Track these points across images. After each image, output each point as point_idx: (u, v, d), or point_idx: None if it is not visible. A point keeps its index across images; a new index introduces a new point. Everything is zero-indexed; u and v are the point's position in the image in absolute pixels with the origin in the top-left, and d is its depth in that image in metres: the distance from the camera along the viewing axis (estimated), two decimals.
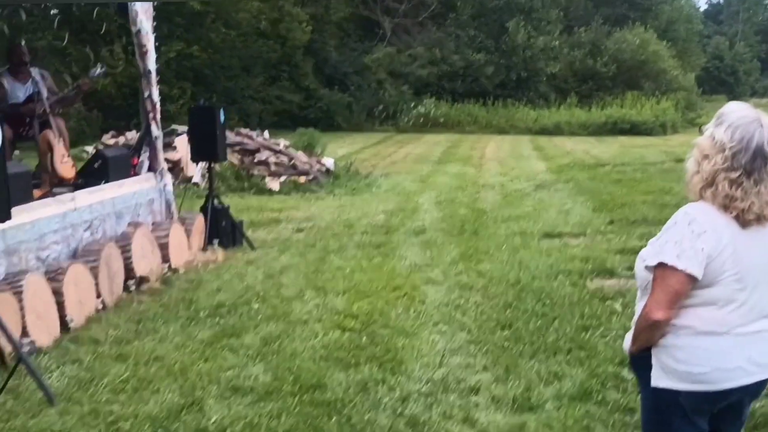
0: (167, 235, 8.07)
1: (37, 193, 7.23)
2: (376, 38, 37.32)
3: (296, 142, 17.99)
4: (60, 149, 7.60)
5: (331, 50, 35.44)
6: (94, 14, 32.80)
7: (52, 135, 7.62)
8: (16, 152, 8.70)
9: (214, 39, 31.20)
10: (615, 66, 36.98)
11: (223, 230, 9.26)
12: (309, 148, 17.61)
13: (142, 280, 7.48)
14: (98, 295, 6.77)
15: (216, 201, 9.26)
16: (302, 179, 15.20)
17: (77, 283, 6.46)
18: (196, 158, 9.26)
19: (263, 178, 15.09)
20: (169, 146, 16.03)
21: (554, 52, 36.26)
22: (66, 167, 7.61)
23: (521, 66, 35.56)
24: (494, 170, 17.58)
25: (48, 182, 7.53)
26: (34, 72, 8.73)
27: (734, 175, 2.56)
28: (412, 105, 33.11)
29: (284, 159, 15.76)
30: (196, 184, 14.89)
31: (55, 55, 33.28)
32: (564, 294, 6.73)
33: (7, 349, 5.40)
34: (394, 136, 29.55)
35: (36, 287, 5.91)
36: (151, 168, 8.89)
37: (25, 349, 5.48)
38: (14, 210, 6.26)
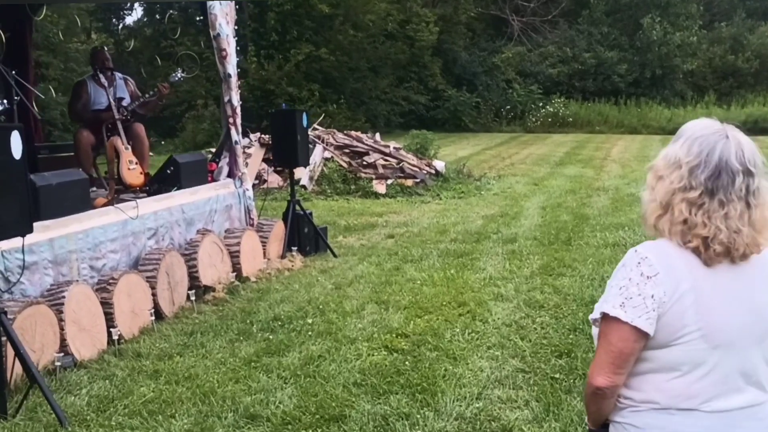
0: (239, 243, 7.88)
1: (101, 200, 7.17)
2: (504, 37, 36.53)
3: (409, 145, 17.65)
4: (128, 156, 7.53)
5: (459, 50, 34.93)
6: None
7: (119, 142, 7.56)
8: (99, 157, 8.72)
9: (342, 41, 31.30)
10: (758, 62, 34.71)
11: (305, 237, 9.01)
12: (421, 151, 17.22)
13: (208, 289, 7.31)
14: (155, 306, 6.62)
15: (297, 207, 9.00)
16: (409, 182, 14.85)
17: (130, 293, 6.32)
18: (277, 164, 9.02)
19: (370, 180, 14.83)
20: None
21: (692, 48, 34.38)
22: (133, 174, 7.52)
23: (656, 63, 33.87)
24: (614, 172, 16.66)
25: (113, 189, 7.46)
26: (118, 78, 8.76)
27: (693, 194, 2.01)
28: (541, 104, 32.17)
29: (393, 162, 15.45)
30: (303, 186, 14.79)
31: (192, 60, 34.37)
32: None
33: (42, 364, 5.29)
34: (521, 136, 28.75)
35: (80, 298, 5.78)
36: (231, 174, 8.74)
37: (58, 363, 5.36)
38: (67, 219, 6.23)
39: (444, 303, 6.58)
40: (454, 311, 6.36)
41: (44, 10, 8.16)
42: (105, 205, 7.00)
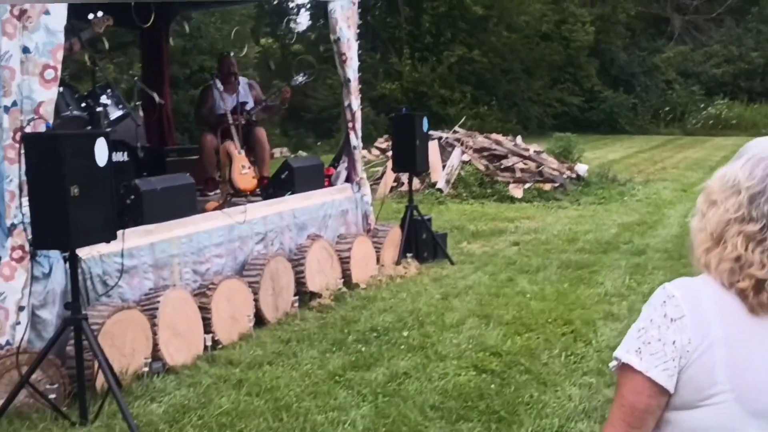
0: (350, 249, 7.78)
1: (212, 204, 7.25)
2: (664, 36, 35.00)
3: (552, 148, 17.14)
4: (240, 160, 7.58)
5: (617, 51, 33.76)
6: (385, 22, 33.95)
7: (232, 146, 7.62)
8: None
9: (495, 42, 30.94)
10: None
11: (423, 243, 8.83)
12: (564, 154, 16.68)
13: (314, 295, 7.25)
14: (257, 311, 6.61)
15: (415, 212, 8.82)
16: (547, 186, 14.39)
17: (230, 298, 6.33)
18: (396, 169, 8.87)
19: (507, 184, 14.47)
20: None
21: None
22: (245, 178, 7.56)
23: None
24: None
25: (225, 193, 7.54)
26: (242, 83, 8.87)
27: (752, 228, 1.65)
28: (702, 106, 30.59)
29: (532, 165, 15.02)
30: (439, 190, 14.61)
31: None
32: None
33: (131, 369, 5.36)
34: (678, 139, 27.40)
35: (177, 303, 5.83)
36: (349, 178, 8.67)
37: (146, 368, 5.41)
38: (171, 223, 6.30)
39: (549, 320, 6.23)
40: (558, 330, 6.00)
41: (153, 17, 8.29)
42: (216, 209, 7.07)
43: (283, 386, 5.16)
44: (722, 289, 1.66)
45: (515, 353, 5.52)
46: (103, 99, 7.00)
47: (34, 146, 4.53)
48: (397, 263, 8.46)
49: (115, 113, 7.19)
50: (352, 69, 8.52)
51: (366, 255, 8.03)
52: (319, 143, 28.86)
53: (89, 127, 7.18)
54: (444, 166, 15.19)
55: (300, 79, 9.05)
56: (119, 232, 5.76)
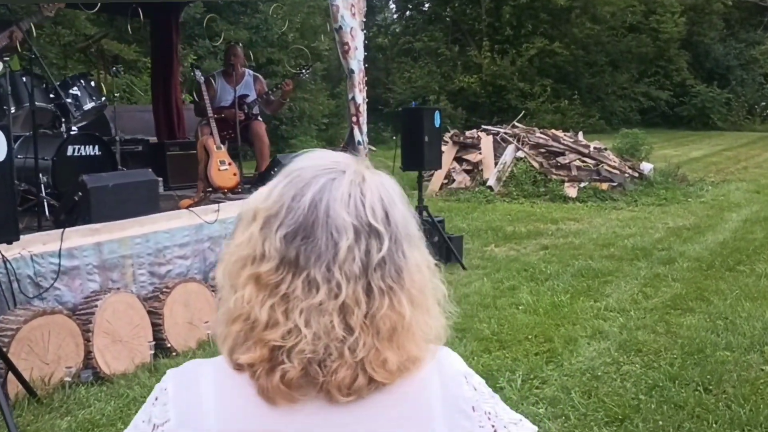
0: None
1: (186, 202, 6.84)
2: (763, 27, 33.11)
3: (618, 145, 16.22)
4: (219, 156, 7.14)
5: (711, 42, 32.09)
6: (465, 14, 33.27)
7: (210, 141, 7.19)
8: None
9: (577, 34, 29.89)
10: None
11: (434, 246, 8.21)
12: (631, 152, 15.74)
13: None
14: None
15: (425, 213, 8.22)
16: (605, 186, 13.52)
17: (188, 303, 5.89)
18: (406, 166, 8.29)
19: (562, 183, 13.67)
20: (473, 147, 15.31)
21: None
22: (224, 175, 7.12)
23: None
24: None
25: (201, 191, 7.12)
26: (247, 75, 8.47)
27: (265, 267, 1.13)
28: None
29: (591, 163, 14.15)
30: (489, 187, 13.94)
31: (430, 56, 34.31)
32: (755, 380, 4.71)
33: (56, 377, 4.98)
34: None
35: (119, 307, 5.42)
36: None
37: (68, 378, 5.01)
38: (124, 222, 5.90)
39: (528, 337, 5.56)
40: (534, 348, 5.33)
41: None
42: (190, 206, 6.65)
43: None
44: (231, 371, 1.14)
45: (481, 373, 4.88)
46: (74, 90, 6.67)
47: None
48: None
49: (87, 104, 6.85)
50: (356, 60, 7.98)
51: None
52: (394, 137, 28.43)
53: (64, 120, 6.90)
54: (496, 163, 14.50)
55: (305, 72, 8.58)
56: (58, 232, 5.45)
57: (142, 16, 7.69)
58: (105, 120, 8.43)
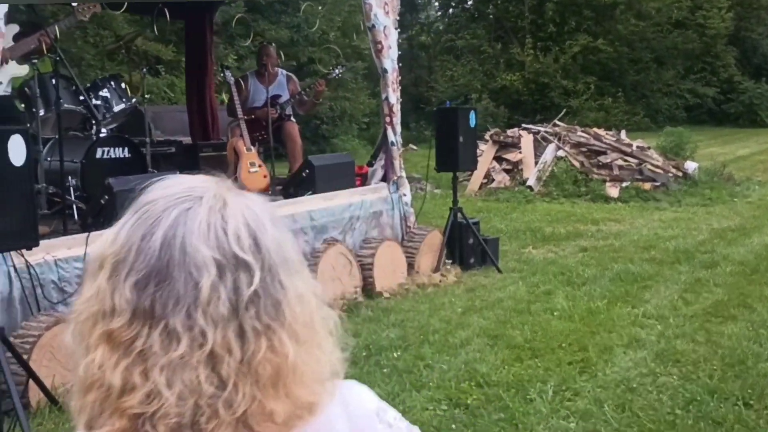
0: (373, 254, 7.13)
1: None
2: None
3: (662, 143, 15.87)
4: (249, 158, 7.05)
5: (759, 38, 31.40)
6: (507, 12, 32.98)
7: (240, 143, 7.10)
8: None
9: (622, 31, 29.44)
10: None
11: (469, 249, 8.05)
12: (675, 150, 15.39)
13: None
14: None
15: (460, 215, 8.06)
16: (647, 186, 13.22)
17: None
18: (440, 167, 8.13)
19: (603, 183, 13.40)
20: (513, 146, 15.09)
21: None
22: (254, 178, 7.03)
23: None
24: None
25: None
26: (281, 75, 8.39)
27: (116, 324, 0.95)
28: None
29: (633, 162, 13.85)
30: (529, 187, 13.71)
31: (472, 54, 34.07)
32: None
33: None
34: None
35: None
36: (386, 177, 8.00)
37: None
38: None
39: (562, 345, 5.37)
40: (567, 357, 5.14)
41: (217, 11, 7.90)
42: None
43: None
44: None
45: (503, 384, 4.72)
46: (104, 92, 6.63)
47: None
48: (435, 270, 7.73)
49: (117, 106, 6.80)
50: (390, 59, 7.83)
51: (393, 261, 7.34)
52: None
53: (94, 122, 6.86)
54: (536, 162, 14.27)
55: (338, 71, 8.46)
56: (83, 236, 5.39)
57: (168, 17, 7.62)
58: (143, 121, 8.42)
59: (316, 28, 20.30)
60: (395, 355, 5.40)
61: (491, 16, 34.09)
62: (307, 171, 7.24)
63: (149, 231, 0.96)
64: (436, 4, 39.86)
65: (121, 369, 0.94)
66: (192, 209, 0.98)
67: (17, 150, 4.26)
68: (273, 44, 8.90)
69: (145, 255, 0.95)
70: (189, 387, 0.93)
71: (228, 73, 7.76)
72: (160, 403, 0.93)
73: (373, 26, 7.68)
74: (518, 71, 30.54)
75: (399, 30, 8.15)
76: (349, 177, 7.63)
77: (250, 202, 1.03)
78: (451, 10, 38.77)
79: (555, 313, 6.15)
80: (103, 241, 1.00)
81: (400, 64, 8.14)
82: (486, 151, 15.33)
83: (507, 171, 14.69)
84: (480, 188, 14.51)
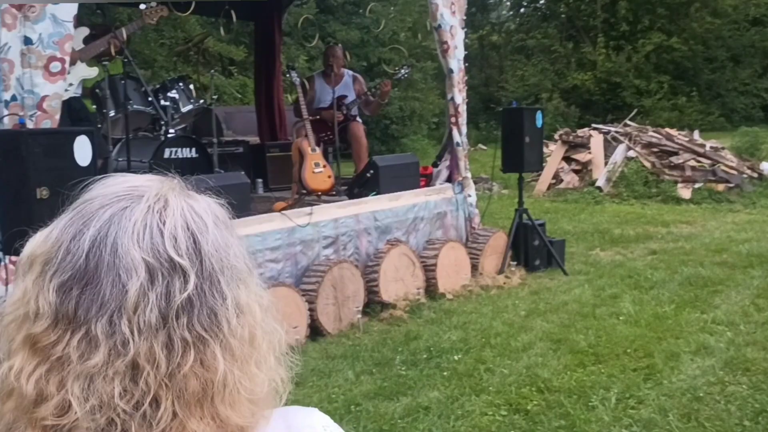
0: (436, 255, 7.10)
1: (280, 204, 6.81)
2: None
3: (736, 144, 15.46)
4: (314, 158, 7.07)
5: None
6: (579, 11, 32.53)
7: (305, 143, 7.13)
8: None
9: (697, 29, 28.76)
10: None
11: (534, 250, 7.96)
12: (750, 151, 14.98)
13: (386, 306, 6.64)
14: (314, 322, 6.10)
15: (525, 216, 7.97)
16: (720, 187, 12.87)
17: (277, 307, 5.83)
18: (505, 168, 8.05)
19: (675, 184, 13.11)
20: (582, 146, 14.88)
21: None
22: (318, 178, 7.04)
23: None
24: None
25: (296, 193, 7.07)
26: (347, 75, 8.42)
27: (39, 326, 0.88)
28: None
29: (706, 163, 13.52)
30: (599, 188, 13.51)
31: (543, 53, 33.70)
32: None
33: None
34: None
35: None
36: (451, 178, 7.96)
37: None
38: None
39: (627, 350, 5.26)
40: (632, 363, 5.04)
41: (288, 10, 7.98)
42: (284, 209, 6.61)
43: None
44: None
45: (565, 390, 4.65)
46: (173, 93, 6.74)
47: (1, 144, 4.23)
48: (500, 272, 7.66)
49: (186, 107, 6.90)
50: (456, 59, 7.79)
51: (457, 262, 7.30)
52: None
53: (162, 122, 6.98)
54: (606, 163, 14.04)
55: (404, 72, 8.45)
56: None
57: (235, 18, 7.70)
58: (217, 121, 8.54)
59: (382, 29, 20.29)
60: (456, 357, 5.37)
61: (563, 15, 33.66)
62: (372, 171, 7.25)
63: (80, 230, 0.90)
64: (508, 3, 39.57)
65: (36, 377, 0.87)
66: (129, 208, 0.91)
67: (83, 151, 4.35)
68: (339, 45, 8.93)
69: (72, 255, 0.89)
70: (103, 400, 0.86)
71: (294, 74, 7.81)
72: (73, 417, 0.86)
73: (440, 26, 7.65)
74: (590, 70, 30.08)
75: (466, 30, 8.09)
76: (414, 177, 7.62)
77: (196, 203, 0.95)
78: (522, 10, 38.44)
79: (621, 318, 6.03)
80: (35, 241, 0.94)
81: (467, 64, 8.08)
82: (555, 151, 15.16)
83: (576, 171, 14.50)
84: (548, 189, 14.35)
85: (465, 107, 7.95)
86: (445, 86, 7.99)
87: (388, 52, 23.21)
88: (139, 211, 0.90)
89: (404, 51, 15.58)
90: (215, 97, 7.28)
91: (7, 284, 4.57)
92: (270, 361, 0.97)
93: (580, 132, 15.64)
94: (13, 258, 4.65)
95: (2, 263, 4.61)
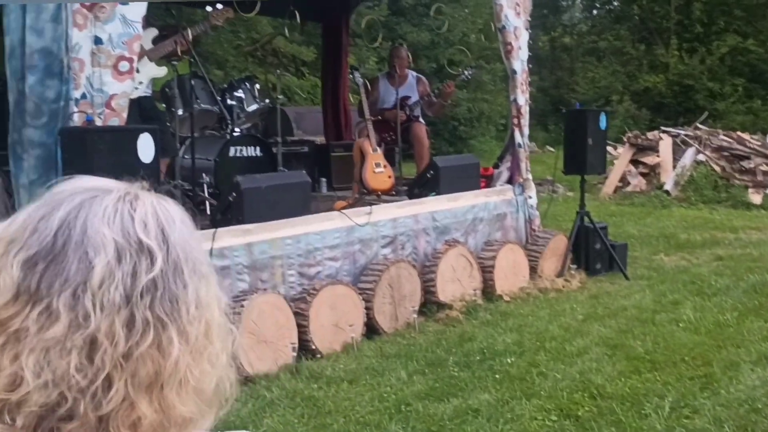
0: (494, 257, 7.09)
1: (340, 204, 6.89)
2: None
3: None
4: (374, 158, 7.13)
5: None
6: (653, 12, 31.97)
7: (366, 143, 7.19)
8: None
9: None
10: None
11: (596, 254, 7.89)
12: None
13: (444, 306, 6.66)
14: (370, 321, 6.16)
15: (587, 219, 7.91)
16: None
17: (334, 305, 5.91)
18: (567, 170, 8.00)
19: (745, 188, 12.84)
20: (650, 149, 14.67)
21: None
22: (379, 178, 7.11)
23: None
24: None
25: (356, 193, 7.14)
26: (411, 76, 8.47)
27: (5, 312, 0.86)
28: None
29: None
30: (666, 192, 13.31)
31: (614, 55, 33.21)
32: None
33: None
34: None
35: (265, 308, 5.51)
36: (511, 179, 7.94)
37: None
38: (276, 223, 6.00)
39: (685, 358, 5.19)
40: (688, 372, 4.97)
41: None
42: (345, 208, 6.69)
43: (340, 410, 4.67)
44: None
45: (617, 397, 4.61)
46: (239, 92, 6.87)
47: (68, 140, 4.39)
48: (559, 275, 7.62)
49: (251, 106, 7.03)
50: (519, 60, 7.78)
51: (515, 264, 7.28)
52: None
53: (229, 121, 7.12)
54: (675, 166, 13.82)
55: (467, 73, 8.47)
56: (210, 232, 5.61)
57: (299, 18, 7.81)
58: (287, 120, 8.67)
59: (446, 30, 20.26)
60: (509, 360, 5.37)
61: (636, 17, 33.10)
62: (432, 172, 7.28)
63: (49, 212, 0.90)
64: (580, 5, 39.12)
65: (8, 355, 0.85)
66: (99, 197, 0.91)
67: (146, 148, 4.49)
68: (404, 46, 8.98)
69: (39, 234, 0.88)
70: (57, 374, 0.84)
71: (357, 75, 7.88)
72: (24, 390, 0.84)
73: (504, 27, 7.65)
74: (662, 73, 29.50)
75: (532, 32, 8.06)
76: (474, 178, 7.62)
77: (164, 202, 0.96)
78: (595, 12, 37.94)
79: (680, 325, 5.95)
80: (1, 226, 0.92)
81: (530, 66, 8.06)
82: (622, 154, 14.98)
83: (644, 175, 14.30)
84: (615, 192, 14.18)
85: (527, 109, 7.93)
86: (508, 87, 7.97)
87: (456, 53, 23.18)
88: (110, 199, 0.91)
89: (468, 53, 15.48)
90: (280, 97, 7.36)
91: None
92: (222, 360, 0.96)
93: (649, 135, 15.41)
94: None
95: None
